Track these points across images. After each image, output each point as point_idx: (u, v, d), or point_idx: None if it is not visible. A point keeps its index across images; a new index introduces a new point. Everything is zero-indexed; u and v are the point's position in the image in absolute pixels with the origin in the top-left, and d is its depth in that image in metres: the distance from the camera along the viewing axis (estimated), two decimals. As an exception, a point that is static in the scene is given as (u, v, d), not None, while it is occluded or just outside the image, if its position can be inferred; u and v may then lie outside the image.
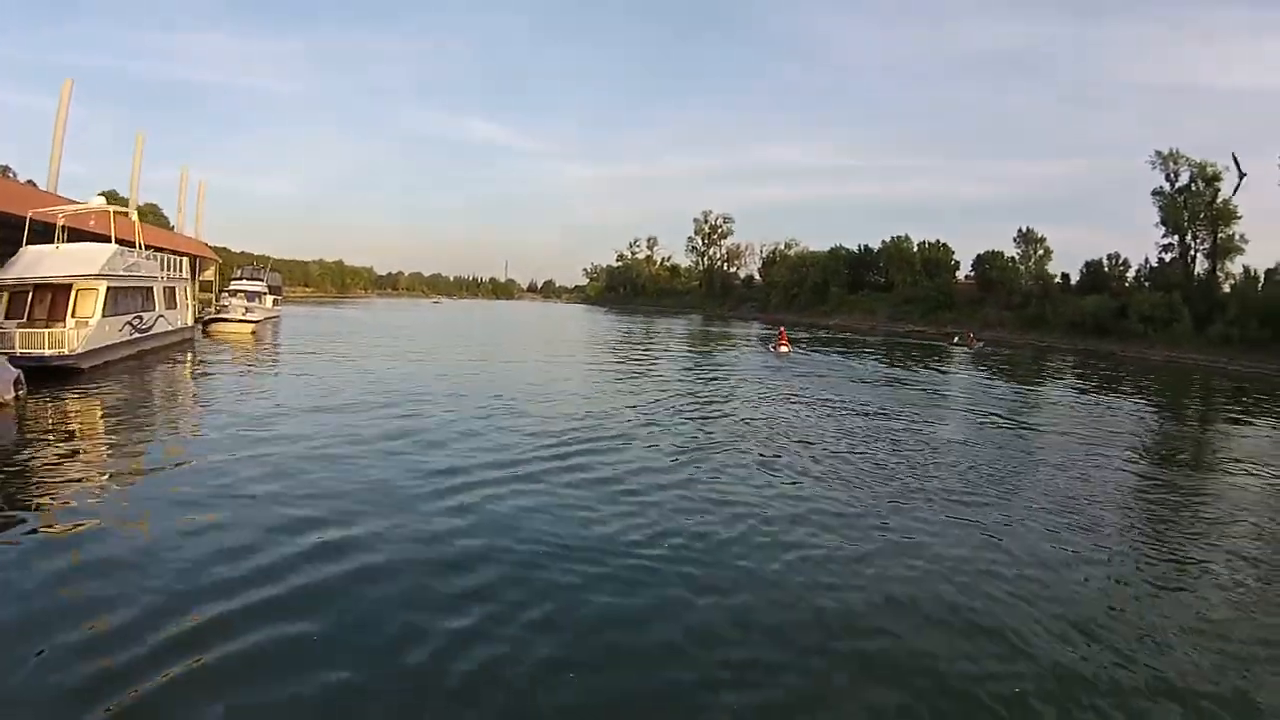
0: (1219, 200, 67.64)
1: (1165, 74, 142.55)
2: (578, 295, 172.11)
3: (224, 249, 67.79)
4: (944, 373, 32.37)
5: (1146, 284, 71.25)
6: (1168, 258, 71.85)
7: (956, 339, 52.87)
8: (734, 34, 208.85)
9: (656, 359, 33.50)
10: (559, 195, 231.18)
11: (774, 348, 36.61)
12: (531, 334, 50.50)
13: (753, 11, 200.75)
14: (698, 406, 18.71)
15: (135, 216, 26.83)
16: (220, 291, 45.26)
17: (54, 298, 19.45)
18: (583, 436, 13.93)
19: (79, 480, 9.93)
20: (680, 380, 24.59)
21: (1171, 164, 70.52)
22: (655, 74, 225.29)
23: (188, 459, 11.17)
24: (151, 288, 24.33)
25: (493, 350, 34.83)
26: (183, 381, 20.49)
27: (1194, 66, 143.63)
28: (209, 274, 48.50)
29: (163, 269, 25.97)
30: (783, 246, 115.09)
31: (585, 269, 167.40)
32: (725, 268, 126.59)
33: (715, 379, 25.30)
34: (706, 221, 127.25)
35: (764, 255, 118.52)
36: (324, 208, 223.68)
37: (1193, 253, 70.80)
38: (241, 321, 35.00)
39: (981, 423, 18.52)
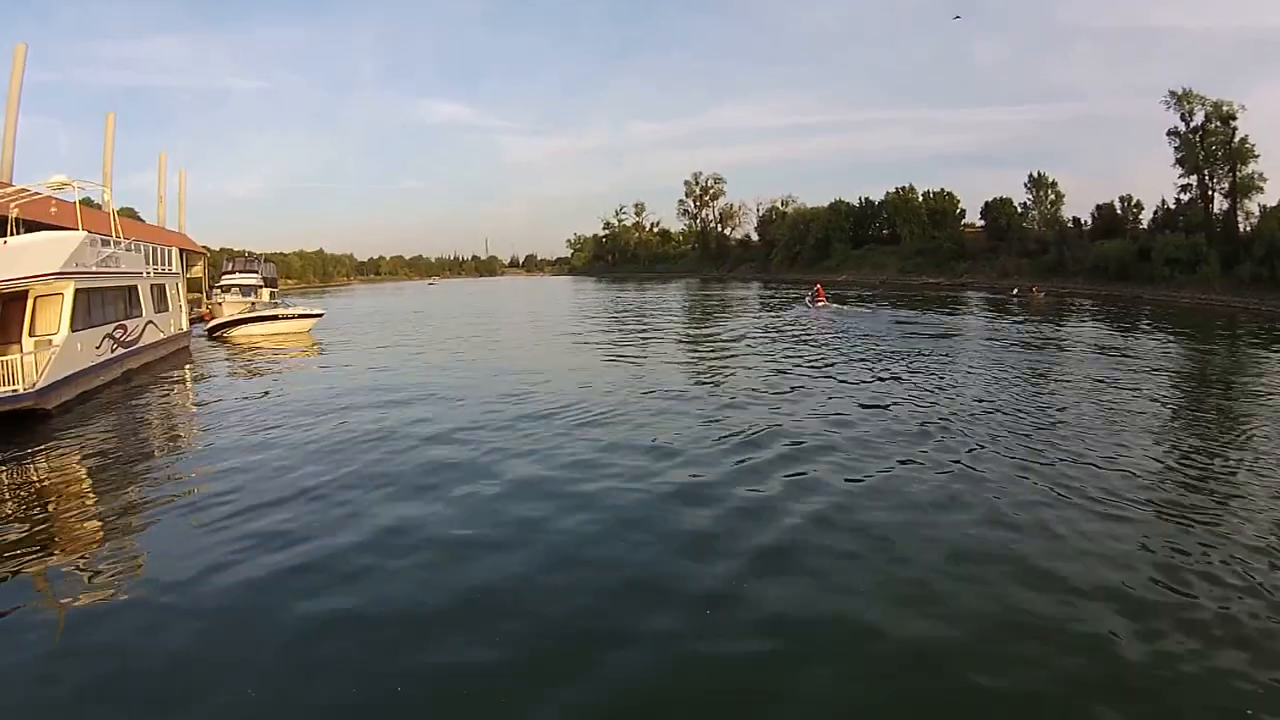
0: (1236, 139, 65.40)
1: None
2: (561, 267, 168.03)
3: (205, 247, 62.22)
4: (1052, 324, 28.63)
5: (1166, 229, 68.74)
6: (1185, 198, 69.91)
7: (1016, 291, 49.73)
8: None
9: (722, 327, 30.30)
10: (530, 170, 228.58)
11: (812, 303, 37.08)
12: (563, 309, 46.62)
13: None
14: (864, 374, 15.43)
15: (108, 197, 21.19)
16: (212, 288, 39.62)
17: (4, 311, 14.53)
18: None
19: (34, 613, 5.72)
20: (789, 352, 21.04)
21: (1186, 104, 68.02)
22: (617, 42, 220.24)
23: (231, 570, 6.64)
24: (135, 286, 19.26)
25: (559, 329, 30.79)
26: (192, 417, 14.81)
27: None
28: (197, 270, 42.53)
29: (148, 262, 20.60)
30: (780, 204, 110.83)
31: (569, 239, 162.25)
32: (720, 229, 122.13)
33: (823, 347, 21.82)
34: (697, 183, 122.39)
35: (760, 214, 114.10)
36: (297, 200, 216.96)
37: (1210, 192, 68.83)
38: (302, 317, 25.86)
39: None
